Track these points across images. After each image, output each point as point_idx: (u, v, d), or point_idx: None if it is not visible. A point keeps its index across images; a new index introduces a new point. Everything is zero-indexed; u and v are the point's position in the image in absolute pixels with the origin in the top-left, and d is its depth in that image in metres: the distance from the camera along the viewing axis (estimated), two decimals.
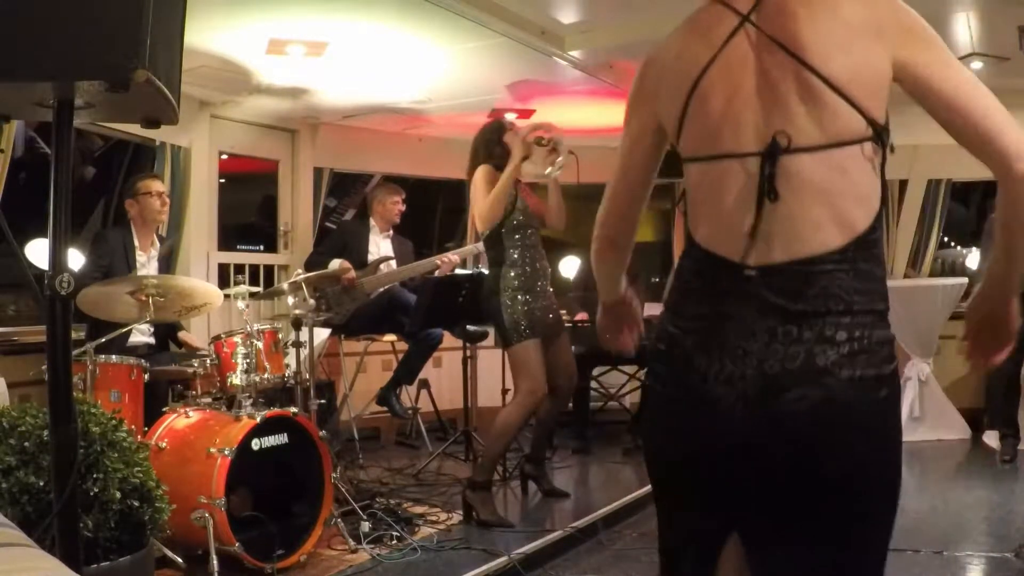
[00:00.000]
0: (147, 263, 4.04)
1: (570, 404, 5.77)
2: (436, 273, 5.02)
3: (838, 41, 1.26)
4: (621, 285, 1.70)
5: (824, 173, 1.26)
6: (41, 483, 2.21)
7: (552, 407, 4.04)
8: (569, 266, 6.20)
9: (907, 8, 1.29)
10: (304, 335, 3.60)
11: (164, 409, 3.34)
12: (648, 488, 4.38)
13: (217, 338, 3.50)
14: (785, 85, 1.27)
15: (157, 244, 4.12)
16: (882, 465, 1.31)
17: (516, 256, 3.82)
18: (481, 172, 3.84)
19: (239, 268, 5.27)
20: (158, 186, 4.08)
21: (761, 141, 1.29)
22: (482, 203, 3.79)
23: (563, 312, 5.93)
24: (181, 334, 4.17)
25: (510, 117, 5.47)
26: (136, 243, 4.01)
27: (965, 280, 5.96)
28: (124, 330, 3.30)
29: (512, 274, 3.80)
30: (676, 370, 1.37)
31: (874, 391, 1.27)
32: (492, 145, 3.89)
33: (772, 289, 1.27)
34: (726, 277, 1.32)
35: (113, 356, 3.25)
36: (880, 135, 1.28)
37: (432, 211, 7.71)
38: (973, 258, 6.62)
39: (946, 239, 7.18)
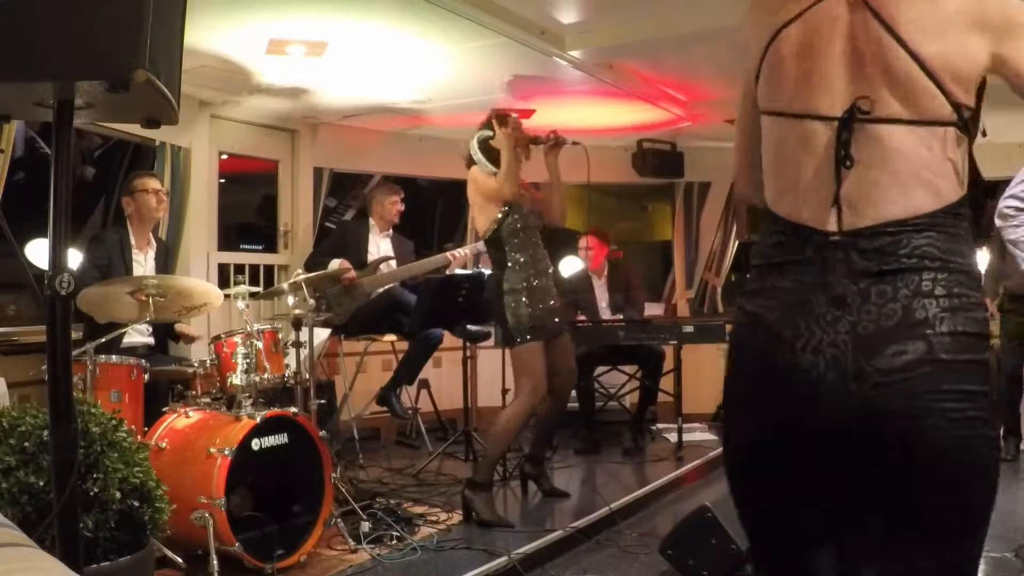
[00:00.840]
0: (144, 262, 4.03)
1: (572, 404, 5.81)
2: (448, 269, 5.03)
3: (934, 25, 1.24)
4: None
5: (913, 146, 1.25)
6: (41, 483, 2.21)
7: (552, 407, 4.04)
8: (569, 266, 6.19)
9: (1018, 2, 1.26)
10: (304, 335, 3.60)
11: (164, 409, 3.34)
12: (648, 488, 4.40)
13: (217, 338, 3.50)
14: (874, 56, 1.25)
15: (153, 243, 4.11)
16: (984, 436, 1.24)
17: (518, 257, 3.82)
18: (479, 172, 3.85)
19: (239, 268, 5.28)
20: (155, 184, 4.07)
21: (841, 107, 1.27)
22: (494, 183, 3.77)
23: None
24: (177, 325, 4.16)
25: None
26: (132, 242, 4.00)
27: None
28: (123, 330, 3.30)
29: (514, 276, 3.80)
30: (761, 349, 1.32)
31: (975, 350, 1.23)
32: (489, 150, 3.87)
33: (861, 252, 1.24)
34: (811, 245, 1.28)
35: (113, 356, 3.25)
36: (966, 122, 1.26)
37: (432, 211, 7.72)
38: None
39: None
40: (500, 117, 3.90)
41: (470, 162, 3.89)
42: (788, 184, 1.33)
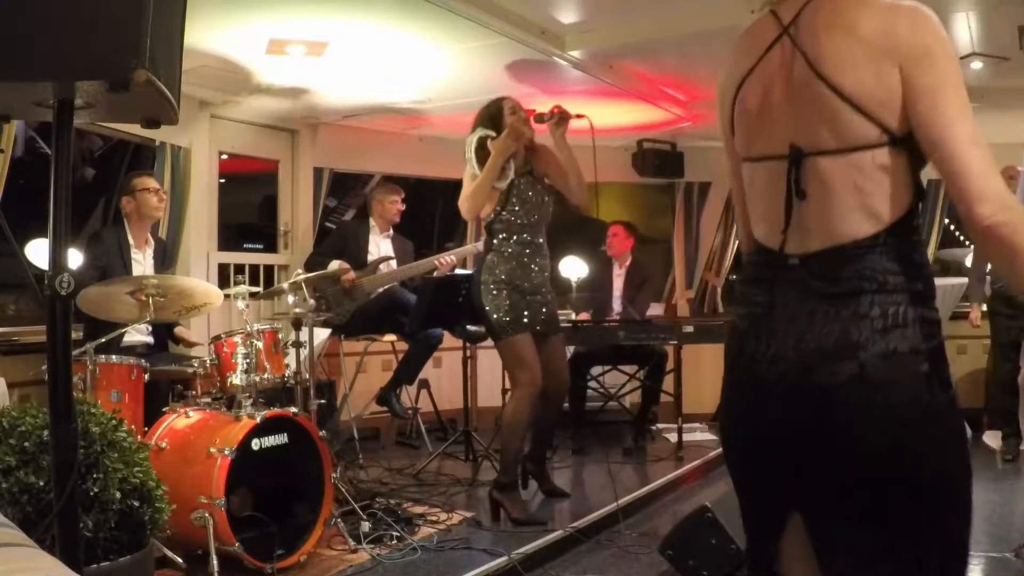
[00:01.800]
0: (143, 261, 4.03)
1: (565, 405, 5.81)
2: (435, 273, 5.02)
3: (851, 57, 1.34)
4: None
5: (843, 173, 1.36)
6: (41, 483, 2.21)
7: (544, 412, 3.96)
8: (569, 266, 6.19)
9: (930, 29, 1.32)
10: (304, 335, 3.60)
11: (164, 409, 3.34)
12: (648, 488, 4.41)
13: (217, 338, 3.50)
14: (805, 94, 1.38)
15: (152, 242, 4.11)
16: (921, 440, 1.31)
17: (504, 249, 3.78)
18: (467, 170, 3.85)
19: (239, 268, 5.28)
20: (153, 183, 4.07)
21: (789, 145, 1.41)
22: (464, 189, 3.79)
23: (567, 312, 5.99)
24: (177, 330, 4.16)
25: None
26: (131, 241, 4.00)
27: (965, 280, 5.94)
28: (123, 330, 3.30)
29: (497, 264, 3.77)
30: (734, 356, 1.50)
31: (910, 366, 1.31)
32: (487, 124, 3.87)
33: (812, 274, 1.38)
34: (774, 266, 1.44)
35: (113, 356, 3.25)
36: (898, 141, 1.33)
37: (432, 211, 7.71)
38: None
39: (955, 231, 7.19)
40: (513, 107, 3.87)
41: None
42: (761, 214, 1.50)
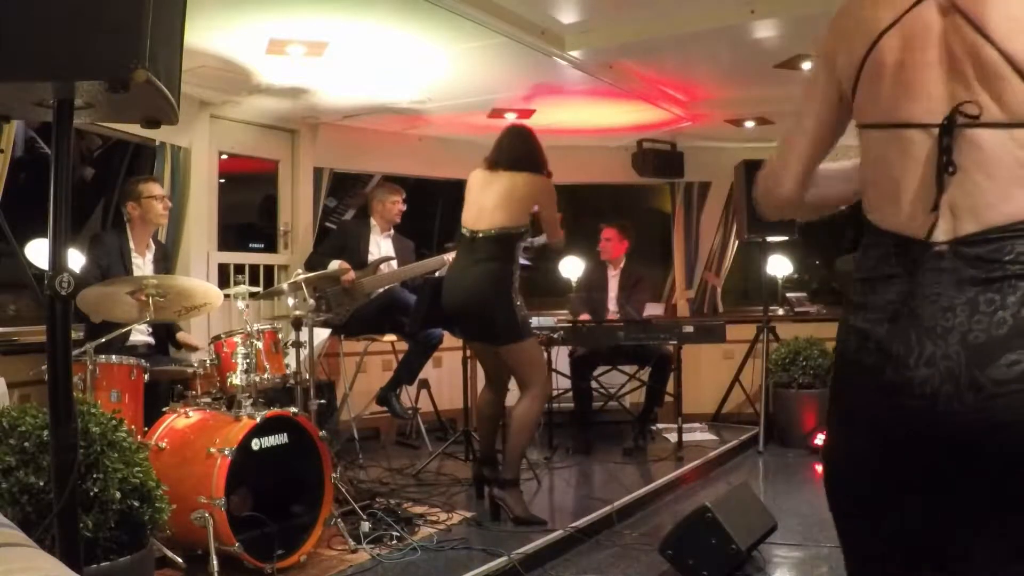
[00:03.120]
0: (143, 266, 4.03)
1: (568, 404, 5.81)
2: (439, 272, 5.02)
3: (1022, 22, 1.23)
4: (831, 178, 1.55)
5: (1008, 147, 1.24)
6: (41, 483, 2.21)
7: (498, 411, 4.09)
8: (570, 267, 6.20)
9: None
10: (304, 335, 3.60)
11: (164, 409, 3.34)
12: (648, 488, 4.40)
13: (217, 338, 3.50)
14: (967, 59, 1.26)
15: (153, 246, 4.11)
16: None
17: (519, 259, 3.89)
18: (549, 184, 3.91)
19: (239, 268, 5.28)
20: (159, 189, 4.09)
21: (941, 113, 1.27)
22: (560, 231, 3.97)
23: (564, 312, 6.03)
24: (180, 335, 4.17)
25: (510, 117, 5.50)
26: (132, 246, 4.00)
27: None
28: (123, 330, 3.30)
29: (516, 275, 3.85)
30: (871, 365, 1.31)
31: None
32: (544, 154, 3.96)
33: (966, 260, 1.24)
34: (915, 256, 1.28)
35: (113, 356, 3.25)
36: None
37: (432, 211, 7.71)
38: None
39: None
40: None
41: (538, 170, 3.91)
42: (889, 196, 1.33)
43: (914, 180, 1.28)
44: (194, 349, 4.11)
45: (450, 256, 5.15)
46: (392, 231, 5.41)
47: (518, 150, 3.92)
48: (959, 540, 1.30)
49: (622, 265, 5.99)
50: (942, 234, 1.26)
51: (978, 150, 1.24)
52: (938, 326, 1.23)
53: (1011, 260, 1.21)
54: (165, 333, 4.14)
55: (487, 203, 3.85)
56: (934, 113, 1.27)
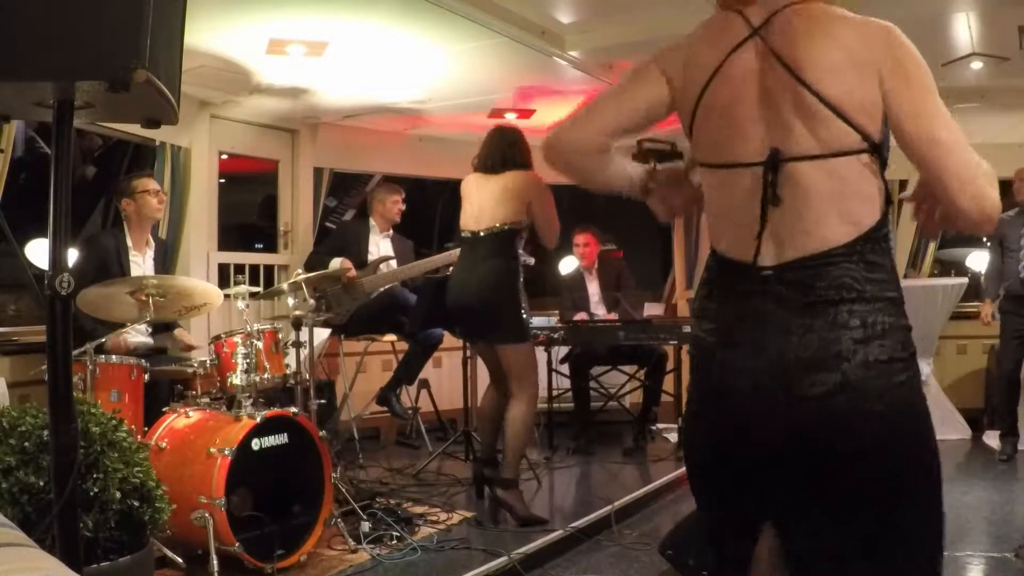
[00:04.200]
0: (142, 264, 4.00)
1: (568, 404, 5.81)
2: (448, 269, 5.02)
3: (833, 64, 1.36)
4: (625, 167, 1.64)
5: (824, 179, 1.37)
6: (41, 483, 2.21)
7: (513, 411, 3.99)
8: (568, 266, 6.20)
9: (903, 42, 1.38)
10: (304, 335, 3.60)
11: (164, 409, 3.34)
12: (648, 488, 4.40)
13: (217, 338, 3.50)
14: (784, 100, 1.38)
15: (152, 243, 4.08)
16: (901, 444, 1.37)
17: (520, 257, 3.86)
18: (544, 183, 3.83)
19: (239, 268, 5.27)
20: (154, 184, 4.04)
21: (764, 151, 1.39)
22: (556, 222, 3.84)
23: (555, 313, 6.02)
24: (177, 331, 4.15)
25: (510, 117, 5.50)
26: (130, 244, 3.96)
27: (965, 280, 5.95)
28: (123, 330, 3.30)
29: (519, 272, 3.83)
30: (702, 369, 1.49)
31: (889, 375, 1.35)
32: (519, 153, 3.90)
33: (787, 284, 1.37)
34: (745, 279, 1.42)
35: (113, 356, 3.25)
36: (876, 148, 1.38)
37: (432, 211, 7.72)
38: (973, 258, 6.62)
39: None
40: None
41: (523, 164, 3.87)
42: (724, 225, 1.48)
43: (744, 212, 1.42)
44: (191, 349, 4.10)
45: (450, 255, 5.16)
46: (391, 231, 5.41)
47: (507, 150, 3.91)
48: (778, 505, 1.46)
49: (595, 269, 5.98)
50: (768, 260, 1.40)
51: (797, 183, 1.37)
52: (757, 342, 1.38)
53: (824, 287, 1.35)
54: (164, 330, 4.11)
55: (486, 203, 3.84)
56: (758, 152, 1.40)
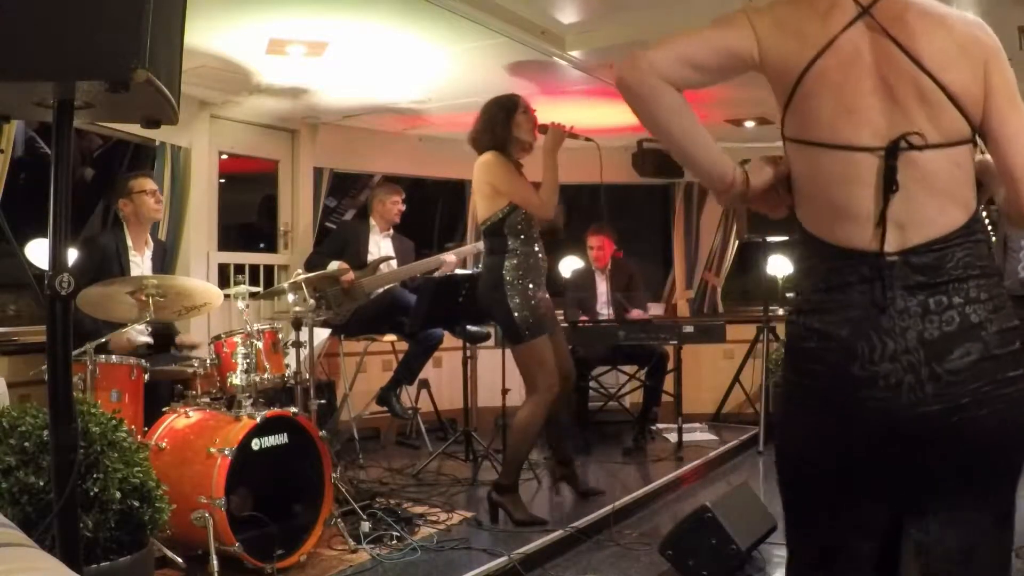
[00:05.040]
0: (141, 264, 4.00)
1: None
2: (436, 273, 5.02)
3: (951, 56, 1.40)
4: (714, 144, 1.52)
5: (944, 166, 1.40)
6: (41, 483, 2.21)
7: (558, 404, 3.96)
8: (568, 265, 6.20)
9: (997, 39, 1.45)
10: (304, 335, 3.60)
11: (164, 409, 3.34)
12: (648, 488, 4.40)
13: (217, 338, 3.50)
14: (905, 87, 1.39)
15: (151, 243, 4.08)
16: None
17: (518, 248, 3.72)
18: (496, 159, 3.70)
19: (239, 268, 5.28)
20: (151, 184, 4.03)
21: (881, 137, 1.39)
22: (535, 194, 3.66)
23: (560, 313, 5.99)
24: (179, 338, 4.15)
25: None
26: (129, 244, 3.97)
27: None
28: (124, 330, 3.30)
29: (514, 264, 3.70)
30: (834, 362, 1.43)
31: (1015, 341, 1.42)
32: (497, 125, 3.76)
33: (914, 269, 1.39)
34: (867, 266, 1.41)
35: (113, 356, 3.24)
36: (975, 138, 1.44)
37: (432, 211, 7.72)
38: None
39: None
40: (526, 107, 3.80)
41: (486, 147, 3.76)
42: (835, 212, 1.44)
43: (861, 197, 1.41)
44: (194, 347, 4.10)
45: (449, 256, 5.16)
46: (392, 231, 5.41)
47: (474, 131, 3.84)
48: (913, 508, 1.44)
49: (608, 270, 5.99)
50: (891, 246, 1.40)
51: (919, 170, 1.39)
52: (896, 327, 1.38)
53: (952, 266, 1.39)
54: (164, 334, 4.11)
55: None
56: (878, 137, 1.39)
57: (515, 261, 3.72)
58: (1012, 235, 5.15)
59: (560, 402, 3.97)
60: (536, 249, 3.79)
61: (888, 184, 1.38)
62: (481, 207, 3.80)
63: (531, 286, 3.72)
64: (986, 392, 1.37)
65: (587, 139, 3.87)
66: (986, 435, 1.38)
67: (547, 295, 3.86)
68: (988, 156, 1.46)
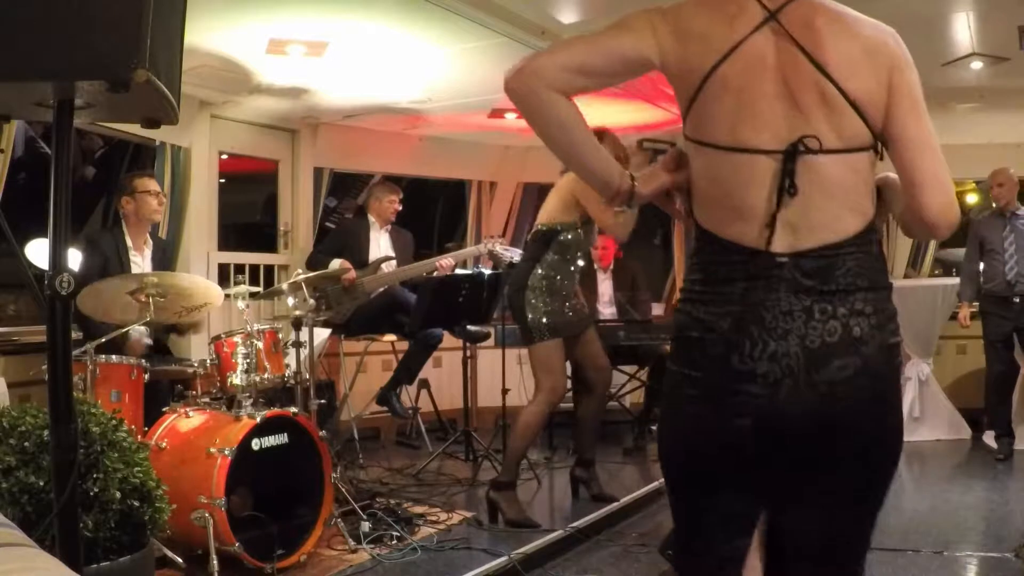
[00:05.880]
0: (141, 263, 3.99)
1: (567, 404, 5.80)
2: (435, 274, 5.03)
3: (855, 62, 1.40)
4: (602, 150, 1.53)
5: (842, 172, 1.41)
6: (41, 483, 2.21)
7: (589, 403, 4.02)
8: None
9: (904, 47, 1.45)
10: (304, 335, 3.60)
11: (164, 409, 3.34)
12: (648, 488, 4.40)
13: (217, 338, 3.50)
14: (806, 91, 1.40)
15: (151, 243, 4.08)
16: (899, 424, 1.50)
17: (554, 259, 3.77)
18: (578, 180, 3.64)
19: (239, 268, 5.28)
20: (154, 185, 4.04)
21: (781, 141, 1.39)
22: (610, 217, 3.51)
23: None
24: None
25: (510, 117, 5.50)
26: (129, 243, 3.96)
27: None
28: (124, 330, 3.30)
29: (541, 273, 3.75)
30: (714, 354, 1.45)
31: (894, 358, 1.45)
32: None
33: (803, 272, 1.40)
34: (755, 264, 1.42)
35: (113, 356, 3.24)
36: (877, 145, 1.44)
37: (432, 211, 7.72)
38: None
39: None
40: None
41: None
42: (731, 210, 1.45)
43: (757, 199, 1.41)
44: (195, 323, 4.04)
45: (445, 260, 5.16)
46: (390, 225, 5.42)
47: None
48: (781, 501, 1.50)
49: (610, 270, 5.98)
50: (782, 247, 1.41)
51: (816, 174, 1.39)
52: (778, 327, 1.40)
53: (841, 274, 1.40)
54: (164, 333, 4.11)
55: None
56: (777, 140, 1.40)
57: (545, 272, 3.76)
58: (987, 237, 5.15)
59: (592, 404, 4.04)
60: (572, 271, 3.82)
61: (784, 187, 1.39)
62: (551, 211, 3.80)
63: (552, 295, 3.76)
64: (859, 405, 1.41)
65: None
66: (858, 444, 1.43)
67: (574, 300, 3.86)
68: (891, 174, 1.47)
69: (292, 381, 3.54)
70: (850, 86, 1.38)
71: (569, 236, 3.76)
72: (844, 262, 1.40)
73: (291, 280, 3.73)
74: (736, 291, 1.43)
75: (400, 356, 5.27)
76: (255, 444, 3.09)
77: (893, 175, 1.47)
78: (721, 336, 1.43)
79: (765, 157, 1.40)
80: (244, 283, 3.59)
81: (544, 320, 3.73)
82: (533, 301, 3.73)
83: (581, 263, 3.88)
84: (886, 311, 1.44)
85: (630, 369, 5.83)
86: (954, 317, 5.58)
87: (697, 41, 1.43)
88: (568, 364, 3.95)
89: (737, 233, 1.44)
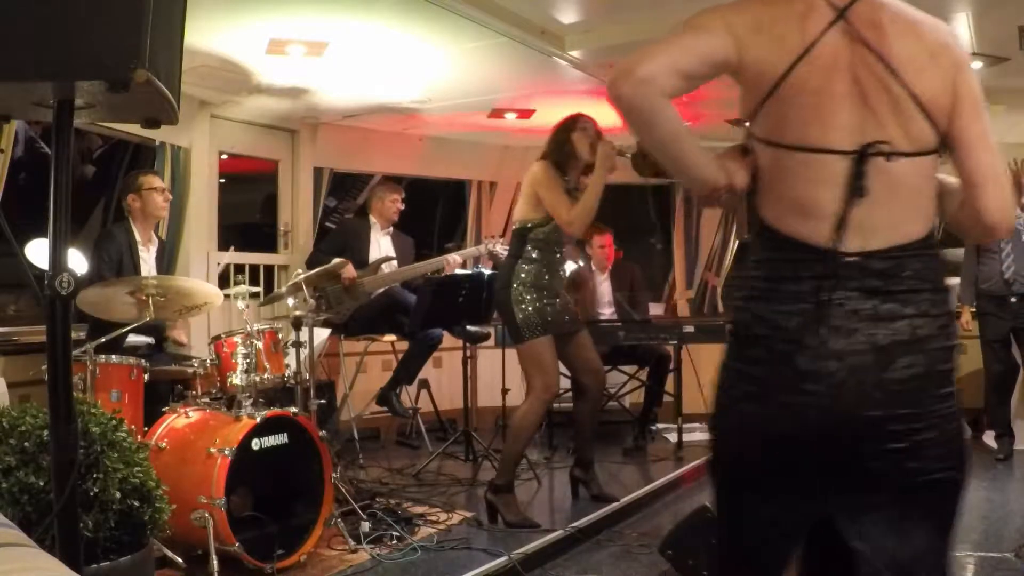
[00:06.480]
0: (148, 259, 4.04)
1: (567, 404, 5.80)
2: (439, 274, 5.03)
3: (921, 63, 1.41)
4: (699, 144, 1.51)
5: (910, 175, 1.42)
6: (41, 483, 2.21)
7: (584, 406, 3.99)
8: (569, 267, 6.19)
9: (963, 46, 1.49)
10: (304, 335, 3.60)
11: (164, 409, 3.34)
12: (648, 488, 4.40)
13: (217, 338, 3.50)
14: (878, 94, 1.40)
15: (155, 240, 4.11)
16: (962, 423, 1.46)
17: (535, 255, 3.77)
18: (543, 168, 3.72)
19: (239, 268, 5.27)
20: (160, 183, 4.09)
21: (852, 142, 1.40)
22: (568, 211, 3.62)
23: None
24: (170, 332, 4.15)
25: (510, 117, 5.50)
26: (138, 239, 4.01)
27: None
28: (125, 330, 3.30)
29: (527, 268, 3.75)
30: (782, 351, 1.43)
31: (954, 359, 1.45)
32: (563, 144, 3.78)
33: (872, 272, 1.40)
34: (824, 263, 1.41)
35: (113, 356, 3.25)
36: (941, 148, 1.45)
37: (432, 211, 7.71)
38: None
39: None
40: (600, 137, 3.75)
41: (545, 156, 3.78)
42: (798, 209, 1.45)
43: (826, 199, 1.41)
44: (182, 345, 4.10)
45: (454, 257, 5.17)
46: (391, 229, 5.42)
47: (547, 144, 3.85)
48: (848, 509, 1.44)
49: (608, 270, 5.98)
50: (851, 247, 1.40)
51: (887, 176, 1.40)
52: (845, 327, 1.39)
53: (909, 276, 1.41)
54: (158, 334, 4.11)
55: None
56: (848, 141, 1.40)
57: (529, 267, 3.76)
58: None
59: (587, 406, 4.00)
60: (555, 267, 3.83)
61: (855, 188, 1.39)
62: (519, 208, 3.85)
63: (541, 290, 3.75)
64: (925, 405, 1.40)
65: (620, 153, 3.68)
66: (923, 447, 1.40)
67: (563, 300, 3.85)
68: (943, 175, 1.49)
69: (292, 381, 3.54)
70: (917, 88, 1.39)
71: (541, 231, 3.76)
72: (911, 264, 1.41)
73: (291, 282, 3.73)
74: (804, 289, 1.41)
75: (400, 356, 5.27)
76: (255, 444, 3.09)
77: (945, 177, 1.48)
78: (787, 334, 1.41)
79: (836, 157, 1.40)
80: (244, 283, 3.60)
81: (534, 316, 3.71)
82: (519, 297, 3.72)
83: (564, 260, 3.88)
84: (949, 313, 1.45)
85: (630, 369, 5.83)
86: (957, 317, 5.58)
87: (770, 41, 1.42)
88: (562, 366, 3.95)
89: (806, 232, 1.43)
